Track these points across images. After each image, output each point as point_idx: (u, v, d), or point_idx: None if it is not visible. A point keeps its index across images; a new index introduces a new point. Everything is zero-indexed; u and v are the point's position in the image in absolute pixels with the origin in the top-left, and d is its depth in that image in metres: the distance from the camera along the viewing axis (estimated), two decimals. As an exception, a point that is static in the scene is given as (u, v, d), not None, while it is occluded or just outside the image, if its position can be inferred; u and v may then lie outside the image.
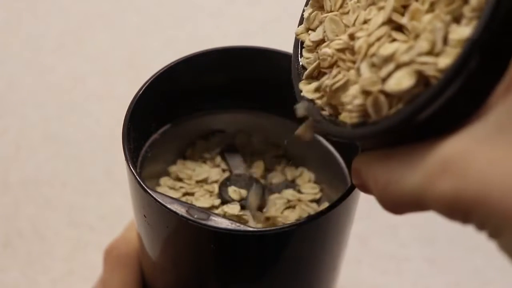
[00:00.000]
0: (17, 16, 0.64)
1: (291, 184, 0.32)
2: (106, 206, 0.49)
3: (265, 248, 0.26)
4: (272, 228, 0.25)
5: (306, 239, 0.26)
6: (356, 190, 0.26)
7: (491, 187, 0.15)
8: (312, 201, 0.31)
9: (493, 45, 0.17)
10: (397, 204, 0.19)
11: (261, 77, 0.31)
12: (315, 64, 0.23)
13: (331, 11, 0.23)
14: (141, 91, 0.29)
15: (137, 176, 0.25)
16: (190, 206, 0.25)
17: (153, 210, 0.26)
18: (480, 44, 0.17)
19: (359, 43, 0.20)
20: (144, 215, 0.27)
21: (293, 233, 0.25)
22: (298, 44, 0.24)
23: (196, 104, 0.32)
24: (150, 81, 0.29)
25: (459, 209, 0.16)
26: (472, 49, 0.17)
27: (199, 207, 0.26)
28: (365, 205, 0.34)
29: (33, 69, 0.59)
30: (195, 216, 0.25)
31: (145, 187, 0.25)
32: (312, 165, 0.32)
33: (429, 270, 0.46)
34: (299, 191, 0.31)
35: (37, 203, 0.49)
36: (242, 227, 0.25)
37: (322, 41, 0.23)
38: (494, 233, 0.16)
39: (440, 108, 0.18)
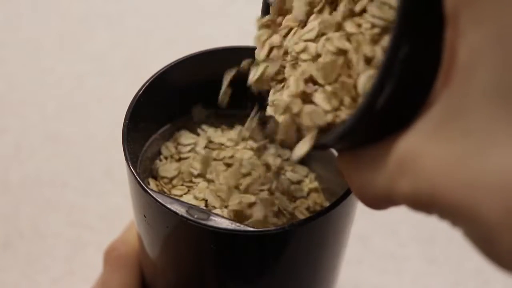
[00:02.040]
0: (17, 16, 0.64)
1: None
2: (106, 206, 0.49)
3: (265, 248, 0.26)
4: (272, 228, 0.25)
5: (306, 239, 0.26)
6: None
7: (439, 186, 0.16)
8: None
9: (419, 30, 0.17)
10: (375, 202, 0.20)
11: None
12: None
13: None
14: (141, 91, 0.29)
15: (137, 176, 0.25)
16: (190, 206, 0.25)
17: (153, 210, 0.26)
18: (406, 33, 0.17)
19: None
20: (144, 215, 0.27)
21: (293, 233, 0.25)
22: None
23: (196, 104, 0.32)
24: (150, 81, 0.29)
25: (420, 206, 0.17)
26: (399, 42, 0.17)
27: (199, 207, 0.26)
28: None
29: (33, 69, 0.59)
30: (195, 216, 0.25)
31: (145, 187, 0.25)
32: (312, 165, 0.32)
33: (429, 270, 0.46)
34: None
35: (37, 203, 0.49)
36: (242, 227, 0.25)
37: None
38: (453, 224, 0.17)
39: (380, 111, 0.18)
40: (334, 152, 0.31)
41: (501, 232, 0.14)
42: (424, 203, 0.17)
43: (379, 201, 0.19)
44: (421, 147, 0.16)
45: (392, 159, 0.17)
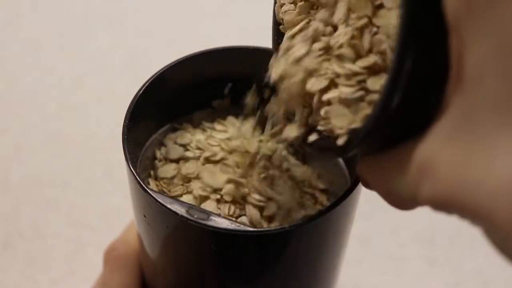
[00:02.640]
0: (17, 16, 0.64)
1: None
2: (106, 206, 0.49)
3: (265, 248, 0.26)
4: (272, 228, 0.25)
5: (306, 239, 0.26)
6: (356, 190, 0.26)
7: (455, 191, 0.16)
8: None
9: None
10: (402, 204, 0.21)
11: (261, 77, 0.31)
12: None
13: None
14: (141, 91, 0.29)
15: (137, 176, 0.25)
16: (190, 206, 0.25)
17: (153, 210, 0.26)
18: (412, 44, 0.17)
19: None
20: (144, 215, 0.27)
21: (293, 233, 0.25)
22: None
23: (196, 104, 0.32)
24: (150, 81, 0.29)
25: (441, 208, 0.17)
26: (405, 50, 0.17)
27: (199, 207, 0.26)
28: (365, 205, 0.34)
29: (33, 69, 0.59)
30: (195, 216, 0.25)
31: (145, 187, 0.25)
32: (312, 165, 0.32)
33: (429, 270, 0.46)
34: None
35: (37, 203, 0.49)
36: (242, 227, 0.25)
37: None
38: (472, 224, 0.17)
39: (396, 113, 0.18)
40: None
41: (508, 232, 0.15)
42: (444, 206, 0.17)
43: (405, 203, 0.20)
44: (438, 154, 0.17)
45: (413, 164, 0.18)
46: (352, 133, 0.21)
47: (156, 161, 0.31)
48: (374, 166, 0.22)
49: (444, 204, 0.17)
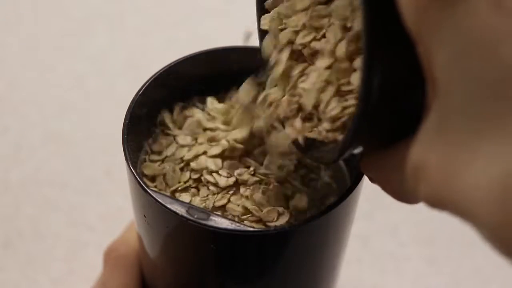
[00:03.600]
0: (17, 16, 0.64)
1: None
2: (106, 206, 0.49)
3: (265, 248, 0.26)
4: (272, 228, 0.25)
5: (306, 239, 0.26)
6: (356, 190, 0.26)
7: (443, 194, 0.17)
8: None
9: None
10: (406, 199, 0.21)
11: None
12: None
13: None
14: (141, 91, 0.29)
15: (137, 176, 0.25)
16: (190, 206, 0.25)
17: (153, 210, 0.26)
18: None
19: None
20: (144, 215, 0.27)
21: (293, 233, 0.25)
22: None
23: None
24: (150, 81, 0.29)
25: (438, 209, 0.18)
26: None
27: (199, 207, 0.26)
28: (365, 205, 0.34)
29: (33, 69, 0.59)
30: (195, 216, 0.25)
31: (145, 187, 0.25)
32: (312, 165, 0.32)
33: (429, 270, 0.46)
34: None
35: (37, 203, 0.49)
36: (242, 227, 0.25)
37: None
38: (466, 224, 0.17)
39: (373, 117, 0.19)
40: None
41: (492, 232, 0.16)
42: (438, 207, 0.18)
43: (411, 199, 0.21)
44: (426, 158, 0.17)
45: (408, 166, 0.18)
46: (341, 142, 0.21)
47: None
48: (376, 164, 0.22)
49: (438, 205, 0.18)
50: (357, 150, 0.21)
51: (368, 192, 0.28)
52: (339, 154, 0.20)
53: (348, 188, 0.26)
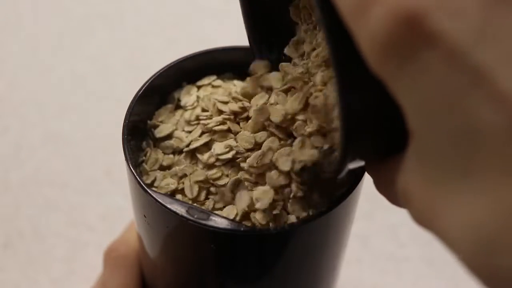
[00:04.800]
0: (17, 16, 0.64)
1: None
2: (106, 206, 0.49)
3: (265, 248, 0.26)
4: (272, 228, 0.25)
5: (306, 239, 0.26)
6: (356, 190, 0.26)
7: (428, 224, 0.17)
8: None
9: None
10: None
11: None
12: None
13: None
14: (141, 91, 0.29)
15: (137, 176, 0.25)
16: (190, 206, 0.25)
17: (153, 210, 0.26)
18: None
19: None
20: (144, 215, 0.27)
21: (293, 233, 0.25)
22: None
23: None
24: (150, 81, 0.29)
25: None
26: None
27: (199, 207, 0.26)
28: (365, 205, 0.34)
29: (33, 69, 0.59)
30: (195, 216, 0.25)
31: (145, 187, 0.25)
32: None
33: (429, 270, 0.46)
34: None
35: (37, 203, 0.49)
36: (242, 227, 0.25)
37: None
38: None
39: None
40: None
41: (468, 266, 0.16)
42: (426, 230, 0.18)
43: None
44: (409, 187, 0.18)
45: (398, 189, 0.19)
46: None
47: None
48: (377, 174, 0.22)
49: (425, 229, 0.18)
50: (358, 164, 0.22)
51: (368, 192, 0.27)
52: (337, 169, 0.21)
53: (348, 188, 0.26)
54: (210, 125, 0.27)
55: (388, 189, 0.21)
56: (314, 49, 0.26)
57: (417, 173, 0.17)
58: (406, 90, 0.16)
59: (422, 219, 0.18)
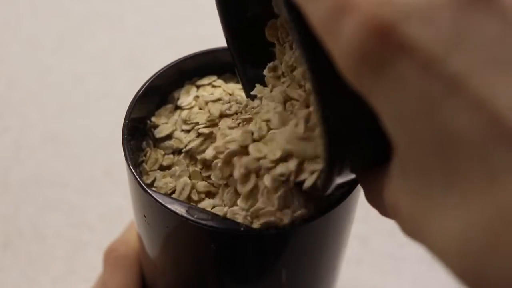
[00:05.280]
0: (17, 16, 0.64)
1: None
2: (106, 206, 0.49)
3: (265, 248, 0.26)
4: (272, 228, 0.25)
5: (306, 239, 0.26)
6: (356, 190, 0.26)
7: (415, 235, 0.18)
8: None
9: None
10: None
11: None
12: None
13: None
14: (141, 91, 0.29)
15: (137, 176, 0.25)
16: (190, 206, 0.25)
17: (153, 210, 0.26)
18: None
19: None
20: (144, 215, 0.27)
21: (293, 233, 0.25)
22: None
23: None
24: (150, 80, 0.29)
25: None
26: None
27: (199, 207, 0.26)
28: (365, 205, 0.34)
29: (33, 69, 0.59)
30: (195, 216, 0.25)
31: (145, 187, 0.25)
32: None
33: (429, 270, 0.46)
34: None
35: (37, 203, 0.49)
36: (242, 227, 0.25)
37: None
38: None
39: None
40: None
41: (455, 275, 0.17)
42: (414, 241, 0.19)
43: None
44: (395, 199, 0.18)
45: (385, 200, 0.19)
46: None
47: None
48: (365, 186, 0.22)
49: (412, 239, 0.18)
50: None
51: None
52: (324, 184, 0.21)
53: (347, 189, 0.26)
54: (199, 126, 0.28)
55: (377, 201, 0.21)
56: (292, 69, 0.26)
57: (401, 185, 0.17)
58: (383, 101, 0.16)
59: (409, 231, 0.18)
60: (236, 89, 0.30)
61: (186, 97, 0.29)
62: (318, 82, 0.17)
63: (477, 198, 0.15)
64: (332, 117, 0.18)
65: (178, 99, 0.30)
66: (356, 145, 0.19)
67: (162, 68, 0.30)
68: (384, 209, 0.20)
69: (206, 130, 0.28)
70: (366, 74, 0.16)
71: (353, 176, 0.21)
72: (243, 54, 0.28)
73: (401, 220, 0.18)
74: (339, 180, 0.21)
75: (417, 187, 0.17)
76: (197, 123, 0.28)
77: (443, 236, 0.16)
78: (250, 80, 0.28)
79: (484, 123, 0.14)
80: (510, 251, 0.14)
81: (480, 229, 0.15)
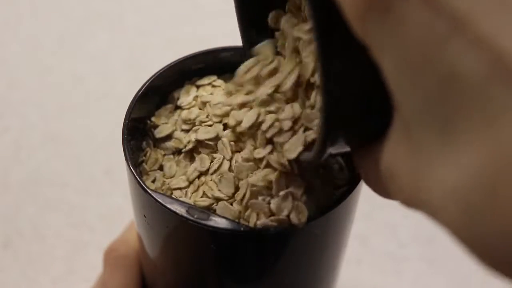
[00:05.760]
0: (17, 16, 0.64)
1: None
2: (106, 206, 0.49)
3: (265, 248, 0.26)
4: (272, 228, 0.25)
5: (306, 239, 0.26)
6: (356, 190, 0.26)
7: (415, 196, 0.17)
8: None
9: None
10: (387, 197, 0.21)
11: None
12: None
13: None
14: (141, 91, 0.29)
15: (137, 176, 0.25)
16: (190, 206, 0.25)
17: (153, 210, 0.26)
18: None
19: None
20: (144, 215, 0.27)
21: (293, 233, 0.25)
22: None
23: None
24: (150, 80, 0.29)
25: (411, 208, 0.18)
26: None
27: (199, 207, 0.26)
28: (365, 205, 0.34)
29: (33, 69, 0.59)
30: (195, 216, 0.25)
31: (145, 187, 0.25)
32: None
33: (429, 270, 0.46)
34: None
35: (37, 203, 0.49)
36: (242, 227, 0.25)
37: None
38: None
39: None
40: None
41: (455, 235, 0.16)
42: (411, 207, 0.18)
43: (387, 195, 0.21)
44: (393, 163, 0.18)
45: (381, 168, 0.19)
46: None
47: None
48: (358, 161, 0.22)
49: (410, 206, 0.18)
50: (342, 150, 0.21)
51: (368, 192, 0.27)
52: (317, 151, 0.20)
53: (347, 188, 0.26)
54: (196, 127, 0.28)
55: (371, 174, 0.20)
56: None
57: (401, 145, 0.17)
58: (386, 48, 0.16)
59: (408, 196, 0.17)
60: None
61: (186, 97, 0.29)
62: (322, 32, 0.17)
63: (476, 144, 0.15)
64: (332, 70, 0.18)
65: (178, 99, 0.30)
66: (355, 112, 0.19)
67: (162, 68, 0.30)
68: (381, 187, 0.20)
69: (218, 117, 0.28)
70: (371, 18, 0.16)
71: (347, 149, 0.21)
72: (248, 18, 0.28)
73: (399, 186, 0.18)
74: (334, 149, 0.20)
75: (417, 142, 0.16)
76: (195, 124, 0.28)
77: (442, 192, 0.15)
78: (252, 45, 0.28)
79: (486, 62, 0.14)
80: (510, 196, 0.14)
81: (480, 178, 0.14)
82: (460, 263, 0.46)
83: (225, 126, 0.28)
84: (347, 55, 0.18)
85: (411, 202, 0.17)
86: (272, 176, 0.25)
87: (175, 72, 0.30)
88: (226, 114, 0.28)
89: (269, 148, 0.25)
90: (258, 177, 0.25)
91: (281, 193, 0.25)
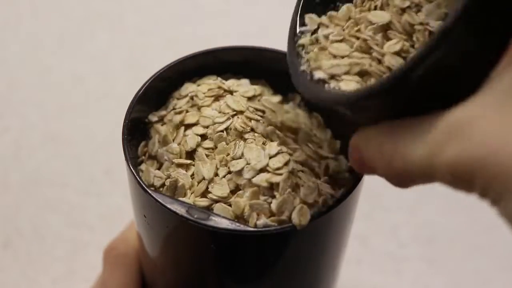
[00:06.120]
0: (17, 16, 0.64)
1: None
2: (106, 206, 0.49)
3: (265, 248, 0.26)
4: (272, 228, 0.25)
5: (306, 239, 0.26)
6: (356, 190, 0.26)
7: (496, 150, 0.16)
8: None
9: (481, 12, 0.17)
10: (404, 176, 0.19)
11: (261, 77, 0.31)
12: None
13: None
14: (141, 91, 0.29)
15: (137, 176, 0.25)
16: (190, 206, 0.25)
17: (153, 210, 0.26)
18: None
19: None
20: (144, 215, 0.27)
21: (293, 233, 0.25)
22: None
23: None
24: (150, 81, 0.29)
25: (463, 175, 0.16)
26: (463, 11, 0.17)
27: (199, 207, 0.26)
28: (365, 205, 0.34)
29: (33, 69, 0.59)
30: (195, 216, 0.25)
31: (145, 187, 0.25)
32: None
33: (429, 270, 0.46)
34: None
35: (37, 203, 0.49)
36: (242, 227, 0.25)
37: None
38: (496, 199, 0.16)
39: (433, 67, 0.18)
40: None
41: None
42: (467, 172, 0.16)
43: (410, 174, 0.19)
44: (482, 114, 0.16)
45: (442, 125, 0.17)
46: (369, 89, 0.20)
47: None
48: (376, 131, 0.20)
49: (468, 170, 0.16)
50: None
51: (368, 192, 0.28)
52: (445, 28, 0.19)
53: (348, 189, 0.26)
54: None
55: (408, 144, 0.19)
56: None
57: (496, 107, 0.16)
58: None
59: (481, 146, 0.16)
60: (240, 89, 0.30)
61: (186, 97, 0.29)
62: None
63: None
64: None
65: (178, 99, 0.30)
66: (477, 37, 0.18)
67: (162, 68, 0.30)
68: (392, 161, 0.19)
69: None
70: None
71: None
72: None
73: (465, 139, 0.16)
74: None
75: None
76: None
77: None
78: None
79: None
80: None
81: None
82: (460, 263, 0.46)
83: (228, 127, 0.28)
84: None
85: (474, 162, 0.16)
86: (277, 178, 0.25)
87: (175, 72, 0.30)
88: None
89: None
90: (261, 177, 0.25)
91: (285, 194, 0.25)
